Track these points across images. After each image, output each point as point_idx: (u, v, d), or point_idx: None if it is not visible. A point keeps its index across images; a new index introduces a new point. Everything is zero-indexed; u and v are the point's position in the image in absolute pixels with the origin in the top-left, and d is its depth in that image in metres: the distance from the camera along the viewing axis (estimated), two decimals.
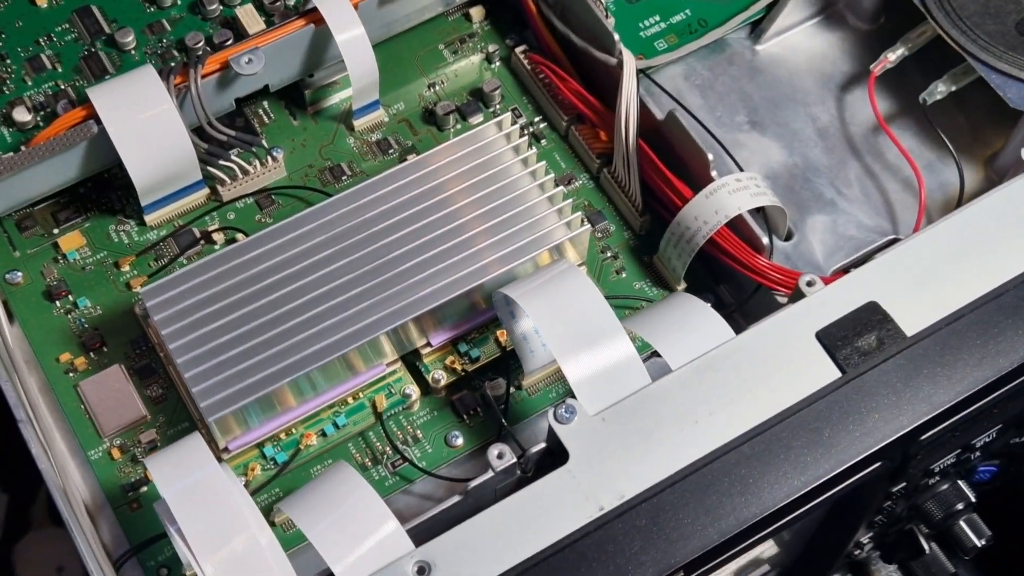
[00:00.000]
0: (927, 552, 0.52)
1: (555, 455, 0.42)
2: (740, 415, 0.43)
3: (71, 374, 0.49)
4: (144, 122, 0.49)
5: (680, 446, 0.42)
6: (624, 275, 0.51)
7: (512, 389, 0.49)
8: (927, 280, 0.45)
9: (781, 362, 0.44)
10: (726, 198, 0.48)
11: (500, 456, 0.43)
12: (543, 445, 0.43)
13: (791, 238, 0.51)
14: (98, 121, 0.48)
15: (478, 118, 0.54)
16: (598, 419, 0.43)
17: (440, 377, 0.49)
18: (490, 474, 0.43)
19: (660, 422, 0.43)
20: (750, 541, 0.43)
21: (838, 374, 0.43)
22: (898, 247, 0.46)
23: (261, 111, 0.54)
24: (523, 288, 0.45)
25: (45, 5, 0.54)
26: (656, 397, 0.43)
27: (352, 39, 0.50)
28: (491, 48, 0.56)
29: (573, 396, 0.43)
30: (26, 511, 1.02)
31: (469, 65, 0.56)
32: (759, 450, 0.43)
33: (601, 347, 0.44)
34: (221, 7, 0.54)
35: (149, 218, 0.52)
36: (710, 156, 0.48)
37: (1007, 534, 0.52)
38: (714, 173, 0.48)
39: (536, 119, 0.54)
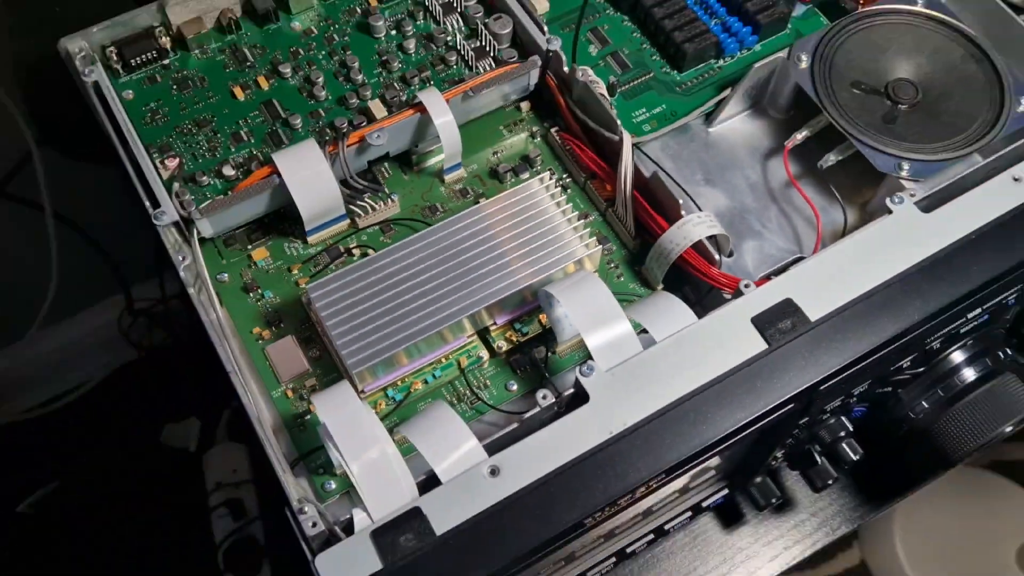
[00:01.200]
0: (819, 463, 0.53)
1: (580, 398, 0.44)
2: (702, 372, 0.45)
3: (260, 341, 0.52)
4: (308, 176, 0.51)
5: (663, 392, 0.44)
6: (623, 279, 0.54)
7: (549, 354, 0.51)
8: (823, 284, 0.47)
9: (728, 338, 0.46)
10: (691, 229, 0.50)
11: (544, 397, 0.45)
12: (572, 390, 0.45)
13: (732, 256, 0.53)
14: (279, 175, 0.51)
15: (526, 175, 0.57)
16: (609, 374, 0.45)
17: (502, 345, 0.51)
18: (537, 409, 0.45)
19: (650, 376, 0.45)
20: (707, 455, 0.44)
21: (765, 346, 0.45)
22: (803, 263, 0.48)
23: (384, 168, 0.56)
24: (558, 287, 0.47)
25: (243, 99, 0.56)
26: (647, 360, 0.45)
27: (445, 123, 0.53)
28: (534, 129, 0.58)
29: (591, 359, 0.45)
30: (212, 431, 1.03)
31: (519, 140, 0.58)
32: (714, 395, 0.44)
33: (610, 326, 0.46)
34: (358, 101, 0.56)
35: (311, 239, 0.54)
36: (680, 201, 0.50)
37: (872, 453, 0.53)
38: (683, 212, 0.50)
39: (564, 176, 0.57)
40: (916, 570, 1.34)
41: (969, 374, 0.52)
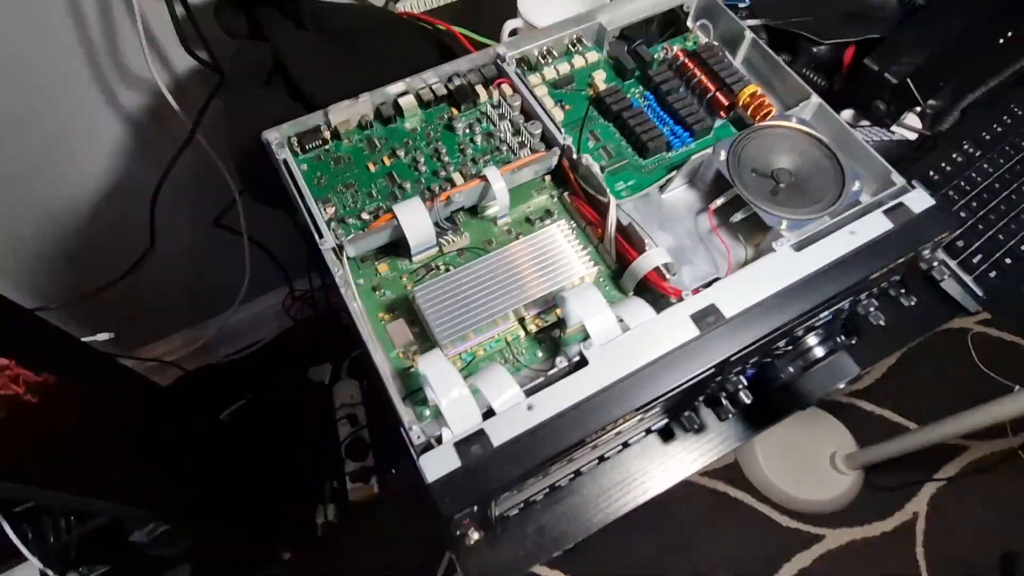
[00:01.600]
0: (724, 404, 0.53)
1: (582, 362, 0.45)
2: (658, 348, 0.46)
3: (382, 322, 0.52)
4: (414, 220, 0.52)
5: (634, 360, 0.45)
6: (608, 288, 0.54)
7: (562, 335, 0.51)
8: (734, 295, 0.47)
9: (675, 327, 0.47)
10: (651, 259, 0.50)
11: (561, 361, 0.46)
12: (577, 358, 0.45)
13: (675, 275, 0.53)
14: (396, 219, 0.51)
15: (548, 222, 0.56)
16: (601, 348, 0.45)
17: (532, 328, 0.51)
18: (556, 369, 0.46)
19: (626, 350, 0.46)
20: (659, 400, 0.44)
21: (698, 333, 0.46)
22: (721, 282, 0.48)
23: (460, 215, 0.56)
24: (569, 293, 0.48)
25: (374, 171, 0.57)
26: (625, 340, 0.46)
27: (499, 188, 0.53)
28: (553, 192, 0.58)
29: (590, 338, 0.45)
30: (338, 371, 1.04)
31: (544, 199, 0.58)
32: (665, 363, 0.46)
33: (602, 318, 0.47)
34: (446, 173, 0.56)
35: (415, 258, 0.54)
36: (646, 240, 0.50)
37: (758, 400, 0.53)
38: (647, 248, 0.50)
39: (572, 222, 0.56)
40: (770, 470, 1.35)
41: (818, 351, 0.53)
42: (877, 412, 1.45)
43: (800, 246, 0.49)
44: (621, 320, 0.47)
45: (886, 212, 0.51)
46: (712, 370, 0.45)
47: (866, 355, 0.64)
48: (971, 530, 1.34)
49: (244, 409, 1.29)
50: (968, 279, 0.65)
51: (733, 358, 0.46)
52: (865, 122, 0.76)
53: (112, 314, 1.05)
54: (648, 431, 0.57)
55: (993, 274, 0.65)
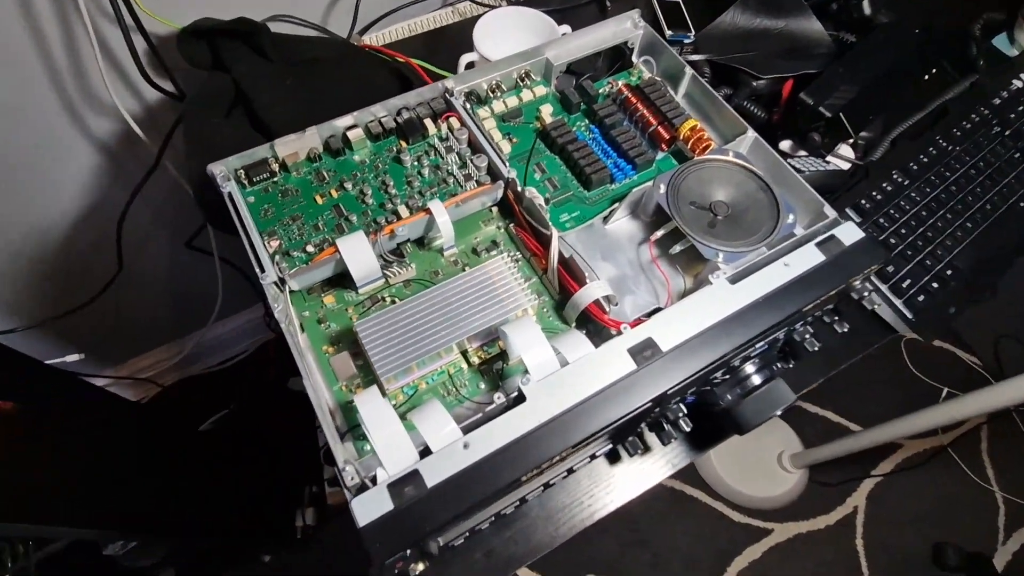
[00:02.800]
0: (666, 429, 0.50)
1: (520, 398, 0.41)
2: (595, 383, 0.42)
3: (327, 354, 0.48)
4: (358, 254, 0.47)
5: (572, 395, 0.41)
6: (551, 319, 0.50)
7: (504, 366, 0.47)
8: (671, 328, 0.44)
9: (612, 361, 0.43)
10: (592, 291, 0.47)
11: (499, 397, 0.42)
12: (516, 393, 0.41)
13: (616, 305, 0.50)
14: (340, 253, 0.47)
15: (494, 252, 0.53)
16: (539, 383, 0.42)
17: (475, 360, 0.47)
18: (494, 404, 0.42)
19: (564, 385, 0.42)
20: (596, 436, 0.41)
21: (635, 367, 0.42)
22: (659, 315, 0.45)
23: (407, 247, 0.52)
24: (510, 327, 0.44)
25: (321, 203, 0.52)
26: (563, 374, 0.42)
27: (443, 222, 0.49)
28: (499, 224, 0.54)
29: (528, 373, 0.41)
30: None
31: (491, 230, 0.54)
32: (602, 399, 0.42)
33: (539, 352, 0.43)
34: (392, 206, 0.52)
35: (360, 290, 0.50)
36: (586, 273, 0.47)
37: (699, 424, 0.49)
38: (587, 280, 0.47)
39: (516, 253, 0.53)
40: (723, 470, 1.32)
41: (756, 379, 0.49)
42: (820, 413, 1.43)
43: (736, 278, 0.46)
44: (560, 354, 0.43)
45: (819, 244, 0.47)
46: (649, 404, 0.42)
47: (802, 379, 0.61)
48: (906, 522, 1.32)
49: (225, 419, 1.23)
50: (898, 303, 0.62)
51: (670, 391, 0.42)
52: (802, 152, 0.73)
53: (84, 334, 0.99)
54: (593, 457, 0.53)
55: (921, 298, 0.62)
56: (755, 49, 0.76)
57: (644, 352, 0.42)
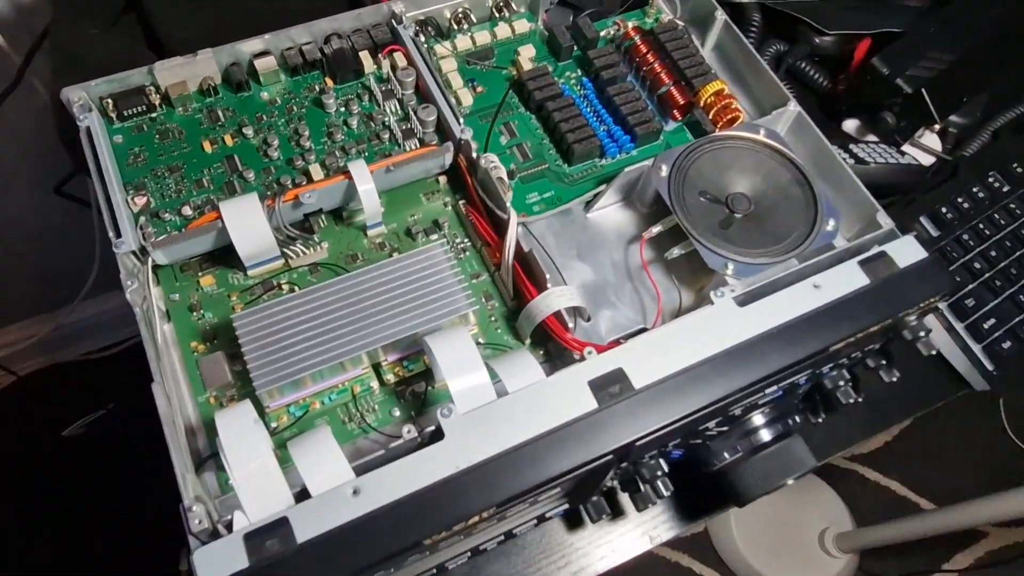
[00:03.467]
0: (642, 491, 0.49)
1: (438, 434, 0.40)
2: (541, 423, 0.41)
3: (195, 354, 0.47)
4: (246, 224, 0.46)
5: (506, 437, 0.40)
6: (500, 331, 0.49)
7: (429, 388, 0.46)
8: (651, 358, 0.43)
9: (567, 396, 0.42)
10: (553, 300, 0.46)
11: (408, 431, 0.41)
12: (433, 427, 0.40)
13: (590, 320, 0.48)
14: (222, 220, 0.46)
15: (435, 236, 0.52)
16: (465, 416, 0.41)
17: (391, 378, 0.46)
18: (401, 440, 0.41)
19: (498, 422, 0.41)
20: (533, 494, 0.40)
21: (595, 406, 0.41)
22: (637, 339, 0.43)
23: (321, 219, 0.51)
24: (434, 338, 0.43)
25: (210, 151, 0.51)
26: (498, 407, 0.41)
27: (366, 190, 0.48)
28: (447, 199, 0.53)
29: (452, 402, 0.40)
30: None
31: (435, 206, 0.53)
32: (547, 444, 0.41)
33: (470, 376, 0.42)
34: (303, 163, 0.51)
35: (250, 272, 0.49)
36: (548, 275, 0.46)
37: (687, 490, 0.48)
38: (549, 285, 0.46)
39: (465, 240, 0.52)
40: (745, 545, 1.31)
41: (765, 435, 0.48)
42: (882, 482, 1.42)
43: (747, 298, 0.45)
44: (498, 380, 0.42)
45: (864, 263, 0.46)
46: (610, 457, 0.41)
47: (834, 438, 0.60)
48: None
49: (99, 423, 1.22)
50: (976, 348, 0.61)
51: (640, 442, 0.41)
52: (872, 137, 0.72)
53: None
54: (542, 519, 0.52)
55: (1008, 344, 0.61)
56: None
57: (610, 387, 0.41)
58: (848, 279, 0.46)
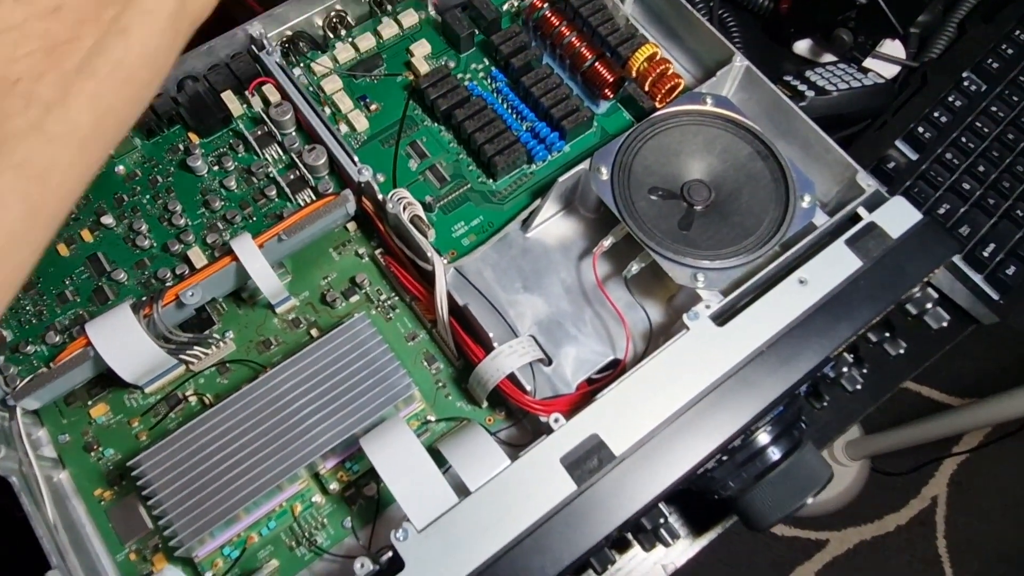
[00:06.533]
0: (647, 532, 0.42)
1: (396, 564, 0.34)
2: (516, 522, 0.36)
3: (102, 503, 0.39)
4: (123, 343, 0.38)
5: (478, 549, 0.35)
6: (450, 398, 0.42)
7: (380, 486, 0.40)
8: (627, 414, 0.37)
9: (540, 481, 0.36)
10: (503, 361, 0.39)
11: (362, 566, 0.34)
12: (390, 554, 0.34)
13: (551, 363, 0.41)
14: (92, 346, 0.38)
15: (355, 298, 0.44)
16: (423, 535, 0.35)
17: (335, 486, 0.40)
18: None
19: (465, 532, 0.35)
20: None
21: (575, 487, 0.35)
22: (606, 393, 0.37)
23: (219, 304, 0.43)
24: (369, 442, 0.36)
25: (68, 255, 0.43)
26: (461, 513, 0.35)
27: (258, 268, 0.40)
28: (361, 250, 0.45)
29: (405, 520, 0.34)
30: None
31: (349, 261, 0.45)
32: (528, 548, 0.35)
33: (420, 482, 0.36)
34: (181, 246, 0.43)
35: (147, 389, 0.41)
36: (491, 334, 0.39)
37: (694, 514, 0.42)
38: (495, 344, 0.38)
39: (392, 296, 0.44)
40: None
41: (774, 453, 0.42)
42: None
43: (725, 314, 0.38)
44: (455, 473, 0.35)
45: (852, 242, 0.39)
46: (600, 542, 0.35)
47: (838, 417, 0.54)
48: (1002, 510, 1.31)
49: None
50: (978, 279, 0.55)
51: (634, 515, 0.35)
52: (829, 56, 0.64)
53: None
54: None
55: (1012, 270, 0.55)
56: None
57: (587, 462, 0.35)
58: (837, 265, 0.39)
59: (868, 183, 0.42)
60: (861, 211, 0.42)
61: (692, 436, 0.36)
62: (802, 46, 0.64)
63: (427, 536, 0.34)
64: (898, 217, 0.40)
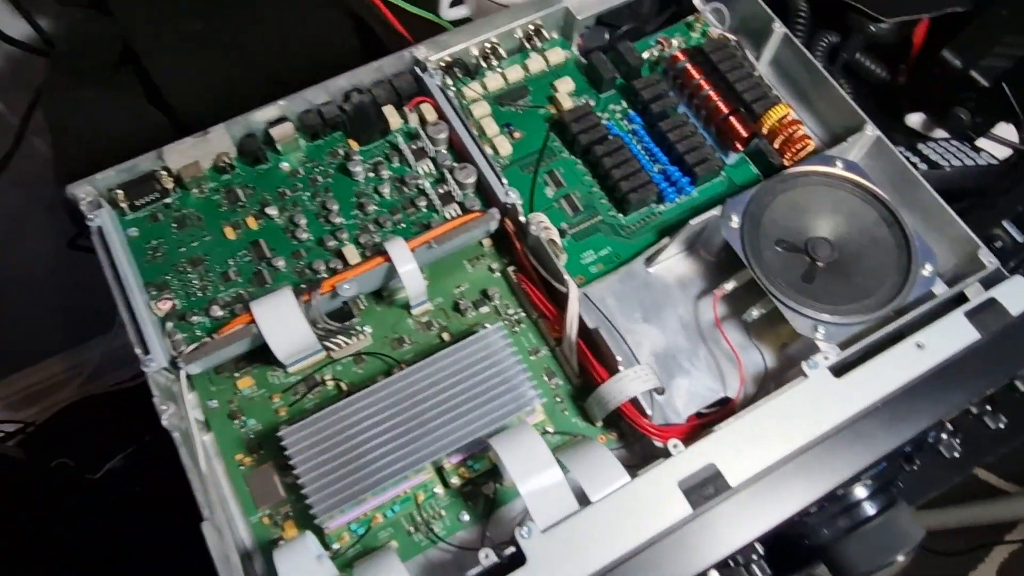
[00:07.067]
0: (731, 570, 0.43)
1: (518, 559, 0.36)
2: (633, 536, 0.38)
3: (241, 467, 0.43)
4: (282, 324, 0.42)
5: (595, 556, 0.37)
6: (566, 413, 0.45)
7: (497, 486, 0.42)
8: (743, 448, 0.39)
9: (657, 501, 0.38)
10: (627, 384, 0.41)
11: (486, 557, 0.37)
12: (512, 549, 0.37)
13: (663, 393, 0.44)
14: (255, 323, 0.41)
15: (485, 308, 0.47)
16: (546, 535, 0.37)
17: (456, 480, 0.42)
18: (479, 568, 0.37)
19: (584, 538, 0.37)
20: None
21: (690, 511, 0.38)
22: (726, 426, 0.39)
23: (359, 300, 0.47)
24: (500, 442, 0.39)
25: (234, 238, 0.47)
26: (582, 520, 0.37)
27: (408, 271, 0.44)
28: (493, 265, 0.48)
29: (528, 518, 0.37)
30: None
31: (481, 273, 0.48)
32: (643, 561, 0.37)
33: (546, 484, 0.38)
34: (336, 242, 0.46)
35: (290, 368, 0.45)
36: (619, 358, 0.41)
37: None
38: (621, 368, 0.41)
39: (519, 311, 0.47)
40: None
41: (868, 508, 0.44)
42: None
43: (843, 367, 0.40)
44: (575, 481, 0.38)
45: (971, 315, 0.41)
46: (710, 566, 0.37)
47: (927, 483, 0.55)
48: None
49: (130, 459, 1.20)
50: None
51: (739, 549, 0.37)
52: (940, 132, 0.65)
53: None
54: None
55: None
56: None
57: (704, 488, 0.37)
58: (955, 335, 0.41)
59: (989, 260, 0.44)
60: (978, 286, 0.44)
61: (803, 479, 0.38)
62: (915, 119, 0.66)
63: (549, 537, 0.36)
64: (1018, 295, 0.42)
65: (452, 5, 0.65)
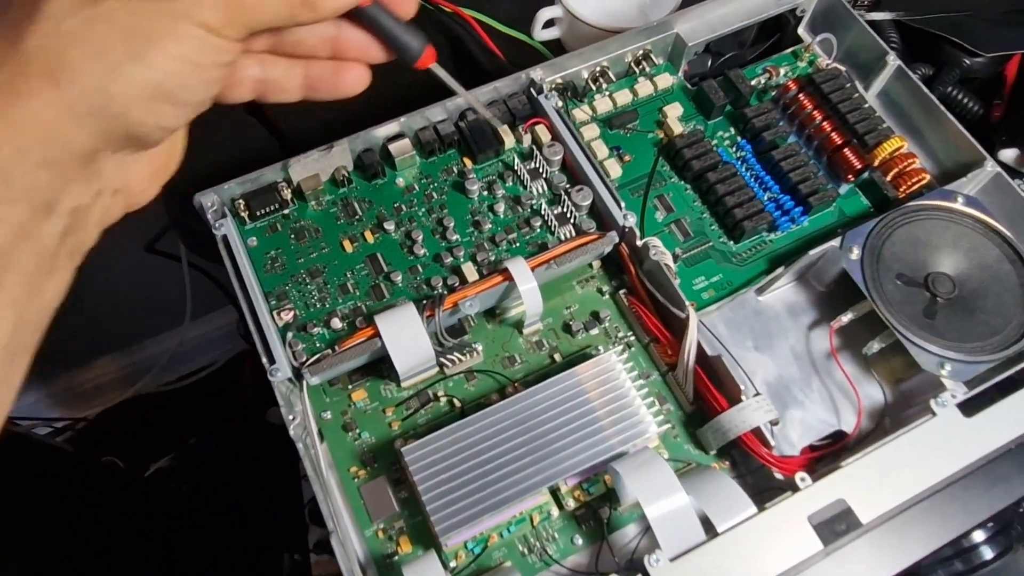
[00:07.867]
0: None
1: None
2: (762, 570, 0.37)
3: (355, 480, 0.43)
4: (406, 338, 0.42)
5: None
6: (678, 439, 0.44)
7: (612, 511, 0.42)
8: (873, 485, 0.38)
9: (786, 535, 0.38)
10: (750, 414, 0.41)
11: None
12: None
13: (777, 424, 0.43)
14: (380, 336, 0.41)
15: (595, 331, 0.47)
16: (674, 565, 0.36)
17: (571, 503, 0.42)
18: None
19: (711, 569, 0.37)
20: None
21: (821, 547, 0.37)
22: (852, 462, 0.39)
23: (470, 318, 0.46)
24: (626, 467, 0.39)
25: (351, 251, 0.47)
26: (711, 552, 0.37)
27: (529, 290, 0.44)
28: (603, 287, 0.48)
29: (659, 547, 0.36)
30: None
31: (589, 295, 0.48)
32: None
33: (675, 514, 0.38)
34: (452, 259, 0.46)
35: (404, 383, 0.45)
36: (742, 387, 0.41)
37: None
38: (744, 398, 0.41)
39: (629, 333, 0.47)
40: None
41: (986, 552, 0.43)
42: None
43: (973, 407, 0.39)
44: (698, 507, 0.37)
45: None
46: None
47: None
48: None
49: (181, 458, 1.21)
50: None
51: None
52: None
53: None
54: None
55: None
56: (968, 7, 0.68)
57: (835, 525, 0.37)
58: None
59: None
60: None
61: (936, 520, 0.37)
62: (1008, 155, 0.65)
63: (677, 566, 0.36)
64: None
65: (544, 27, 0.65)
